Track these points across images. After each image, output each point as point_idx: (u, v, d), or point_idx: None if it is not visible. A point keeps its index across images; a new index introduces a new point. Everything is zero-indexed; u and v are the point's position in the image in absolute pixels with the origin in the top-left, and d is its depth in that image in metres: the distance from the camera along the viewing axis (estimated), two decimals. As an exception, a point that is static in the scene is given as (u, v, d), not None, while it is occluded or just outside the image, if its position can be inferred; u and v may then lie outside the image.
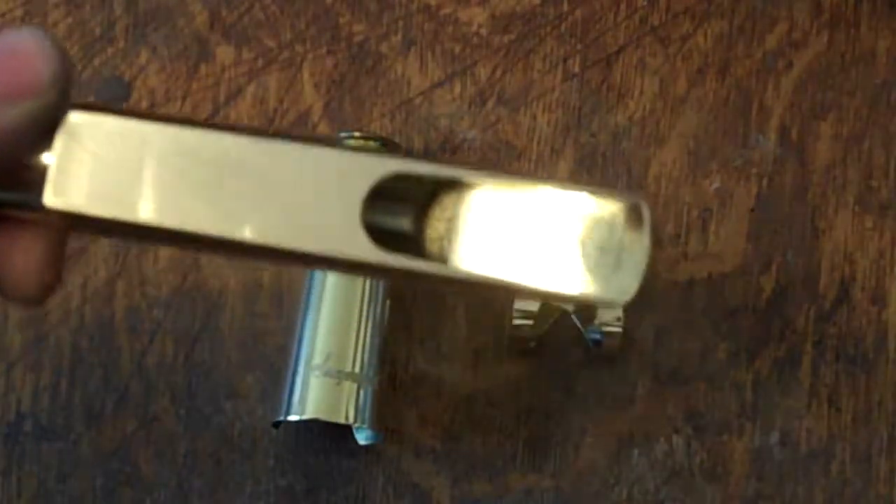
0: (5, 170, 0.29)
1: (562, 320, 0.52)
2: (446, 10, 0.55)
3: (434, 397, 0.53)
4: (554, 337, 0.53)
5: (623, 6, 0.55)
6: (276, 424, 0.50)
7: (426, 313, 0.53)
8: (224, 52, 0.55)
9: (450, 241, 0.30)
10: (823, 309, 0.53)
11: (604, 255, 0.30)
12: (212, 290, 0.53)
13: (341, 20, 0.55)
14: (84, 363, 0.53)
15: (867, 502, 0.53)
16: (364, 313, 0.50)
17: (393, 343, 0.53)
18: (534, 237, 0.30)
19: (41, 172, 0.29)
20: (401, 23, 0.55)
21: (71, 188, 0.29)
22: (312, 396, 0.49)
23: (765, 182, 0.54)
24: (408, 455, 0.53)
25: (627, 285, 0.30)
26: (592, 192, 0.30)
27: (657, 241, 0.30)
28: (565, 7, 0.55)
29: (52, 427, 0.53)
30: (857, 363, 0.53)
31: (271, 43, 0.55)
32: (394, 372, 0.53)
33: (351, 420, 0.49)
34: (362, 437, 0.50)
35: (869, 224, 0.54)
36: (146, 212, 0.29)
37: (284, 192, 0.29)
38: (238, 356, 0.53)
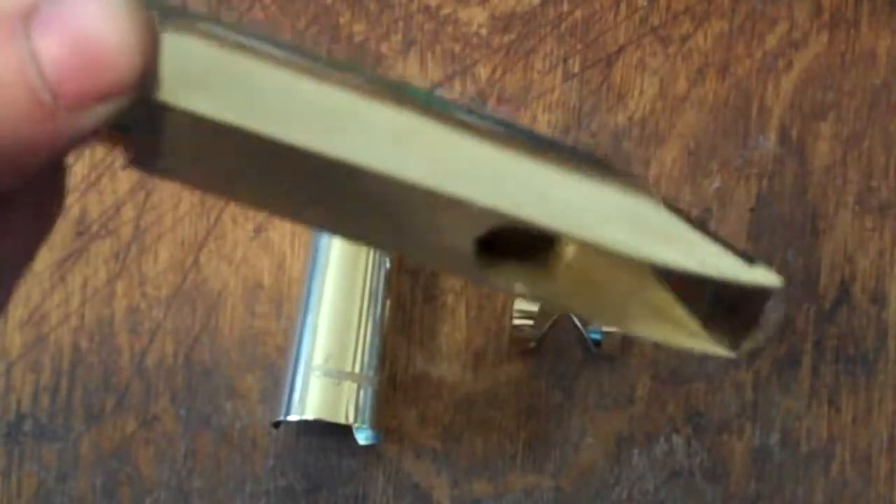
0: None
1: (562, 320, 0.52)
2: (446, 10, 0.55)
3: (434, 397, 0.53)
4: (554, 337, 0.53)
5: (623, 6, 0.55)
6: (276, 424, 0.50)
7: (426, 313, 0.53)
8: (224, 52, 0.55)
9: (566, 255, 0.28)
10: (823, 309, 0.53)
11: (720, 316, 0.28)
12: (212, 290, 0.53)
13: (341, 20, 0.55)
14: (84, 363, 0.53)
15: (867, 502, 0.53)
16: (364, 313, 0.50)
17: (393, 343, 0.53)
18: (647, 291, 0.28)
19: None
20: (401, 23, 0.55)
21: (162, 158, 0.25)
22: (312, 396, 0.49)
23: (765, 182, 0.54)
24: (408, 455, 0.53)
25: (739, 343, 0.28)
26: (729, 267, 0.27)
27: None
28: (565, 7, 0.55)
29: (52, 427, 0.53)
30: (857, 363, 0.53)
31: (271, 43, 0.55)
32: (394, 372, 0.53)
33: (351, 420, 0.49)
34: (362, 437, 0.50)
35: (869, 224, 0.54)
36: (243, 200, 0.26)
37: (397, 214, 0.26)
38: (238, 356, 0.53)
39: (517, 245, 0.27)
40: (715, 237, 0.27)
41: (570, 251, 0.27)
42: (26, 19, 0.22)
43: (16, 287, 0.27)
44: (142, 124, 0.25)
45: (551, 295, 0.27)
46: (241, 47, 0.25)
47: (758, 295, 0.27)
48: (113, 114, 0.23)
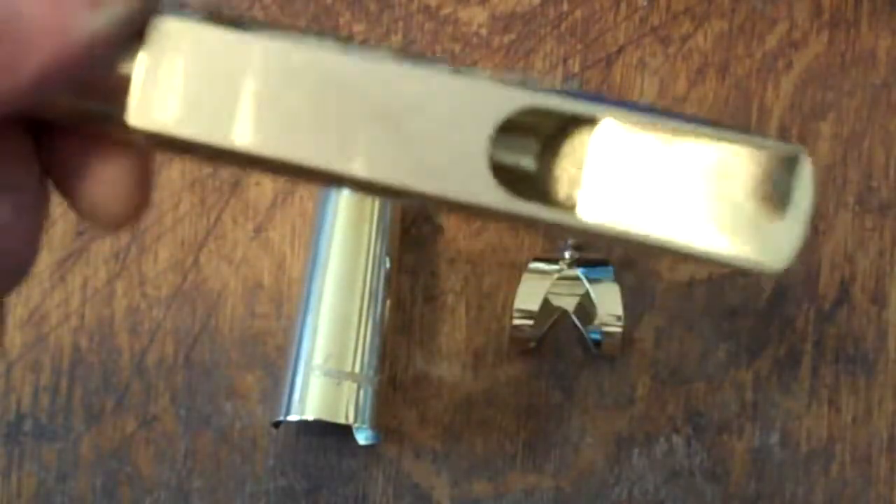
0: (87, 82, 0.25)
1: (562, 320, 0.52)
2: (446, 10, 0.55)
3: (434, 397, 0.53)
4: (554, 337, 0.53)
5: (623, 6, 0.55)
6: (276, 424, 0.50)
7: (426, 313, 0.53)
8: (224, 52, 0.55)
9: (580, 185, 0.26)
10: (823, 309, 0.53)
11: (758, 210, 0.26)
12: (212, 290, 0.53)
13: (341, 20, 0.55)
14: (84, 363, 0.53)
15: (867, 502, 0.53)
16: (364, 313, 0.50)
17: (393, 343, 0.53)
18: (677, 187, 0.26)
19: (127, 83, 0.25)
20: (401, 23, 0.55)
21: (157, 106, 0.25)
22: (312, 396, 0.49)
23: (765, 182, 0.54)
24: (408, 455, 0.53)
25: (784, 246, 0.25)
26: (744, 140, 0.25)
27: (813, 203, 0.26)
28: (565, 7, 0.55)
29: (52, 427, 0.53)
30: (857, 363, 0.53)
31: (271, 43, 0.55)
32: (394, 372, 0.53)
33: (351, 420, 0.49)
34: (362, 437, 0.50)
35: (869, 224, 0.54)
36: (243, 137, 0.25)
37: (402, 125, 0.25)
38: (238, 356, 0.53)
39: (530, 175, 0.26)
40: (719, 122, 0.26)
41: (586, 160, 0.26)
42: None
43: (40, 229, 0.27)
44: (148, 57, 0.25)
45: (573, 222, 0.26)
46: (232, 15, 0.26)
47: (783, 166, 0.25)
48: (120, 20, 0.23)
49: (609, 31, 0.55)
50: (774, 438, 0.53)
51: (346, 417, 0.49)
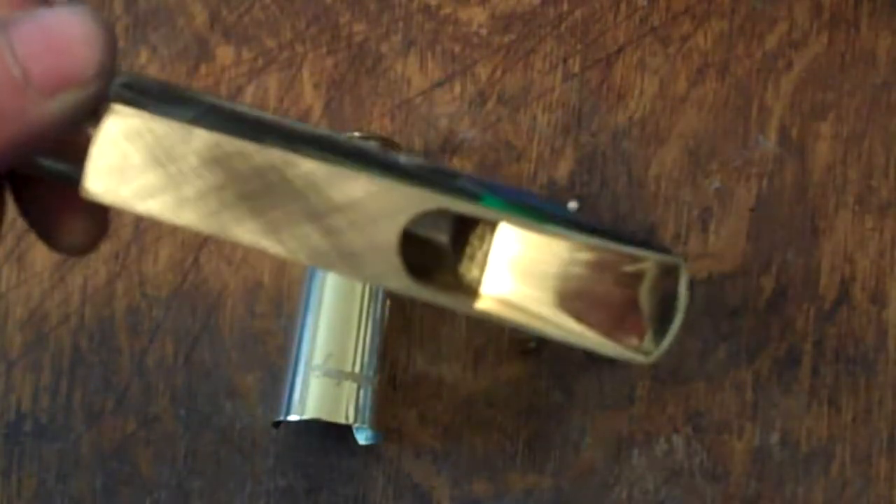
0: (52, 147, 0.28)
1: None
2: (446, 10, 0.55)
3: (434, 397, 0.53)
4: (554, 337, 0.53)
5: (623, 6, 0.55)
6: (276, 424, 0.50)
7: (426, 313, 0.53)
8: (224, 52, 0.55)
9: (484, 272, 0.30)
10: (823, 309, 0.53)
11: (639, 314, 0.29)
12: (212, 290, 0.53)
13: (341, 20, 0.55)
14: (84, 363, 0.53)
15: (867, 502, 0.53)
16: (364, 313, 0.50)
17: (393, 343, 0.53)
18: (569, 285, 0.29)
19: (86, 145, 0.28)
20: (401, 23, 0.55)
21: (109, 180, 0.28)
22: (312, 396, 0.49)
23: (765, 182, 0.54)
24: (408, 455, 0.53)
25: (655, 345, 0.29)
26: (630, 250, 0.29)
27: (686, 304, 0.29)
28: (565, 7, 0.55)
29: (52, 427, 0.53)
30: (857, 363, 0.53)
31: (271, 43, 0.55)
32: (394, 372, 0.53)
33: (351, 420, 0.49)
34: (362, 437, 0.50)
35: (869, 224, 0.54)
36: (184, 215, 0.29)
37: (325, 218, 0.28)
38: (238, 356, 0.53)
39: (438, 265, 0.29)
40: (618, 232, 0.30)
41: (488, 250, 0.30)
42: (4, 24, 0.26)
43: None
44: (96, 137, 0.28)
45: (471, 310, 0.29)
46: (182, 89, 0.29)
47: (664, 277, 0.29)
48: (78, 104, 0.26)
49: (609, 31, 0.55)
50: (774, 438, 0.53)
51: (346, 417, 0.49)
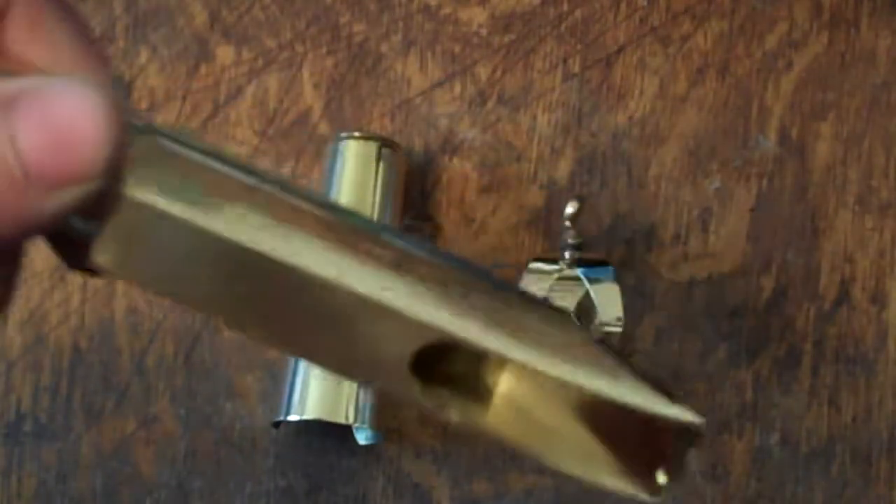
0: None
1: (562, 320, 0.51)
2: (446, 10, 0.55)
3: (434, 397, 0.53)
4: (554, 337, 0.53)
5: (623, 6, 0.55)
6: (276, 424, 0.50)
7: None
8: (224, 52, 0.55)
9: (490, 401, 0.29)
10: (823, 309, 0.53)
11: (645, 458, 0.29)
12: (212, 290, 0.53)
13: (341, 20, 0.55)
14: (84, 363, 0.53)
15: (867, 502, 0.53)
16: (364, 313, 0.50)
17: (393, 343, 0.53)
18: (578, 428, 0.29)
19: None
20: (401, 23, 0.55)
21: (119, 256, 0.27)
22: (312, 396, 0.49)
23: (765, 182, 0.54)
24: (408, 455, 0.53)
25: (660, 491, 0.29)
26: (652, 402, 0.29)
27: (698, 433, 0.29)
28: (565, 7, 0.55)
29: (52, 427, 0.53)
30: (857, 363, 0.53)
31: (271, 43, 0.55)
32: (394, 372, 0.53)
33: (351, 420, 0.49)
34: (362, 437, 0.50)
35: (869, 224, 0.54)
36: (195, 303, 0.28)
37: (338, 327, 0.27)
38: (238, 356, 0.53)
39: (452, 375, 0.28)
40: (644, 374, 0.28)
41: (500, 381, 0.28)
42: (8, 104, 0.24)
43: None
44: (102, 218, 0.26)
45: (481, 425, 0.29)
46: (202, 155, 0.27)
47: (681, 434, 0.29)
48: (79, 199, 0.24)
49: (609, 31, 0.55)
50: (774, 438, 0.53)
51: (346, 417, 0.49)
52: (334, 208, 0.28)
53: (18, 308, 0.53)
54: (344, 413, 0.49)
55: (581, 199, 0.52)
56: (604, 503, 0.53)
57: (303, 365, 0.50)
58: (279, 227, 0.27)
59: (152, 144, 0.26)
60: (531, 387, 0.28)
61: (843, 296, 0.54)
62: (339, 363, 0.28)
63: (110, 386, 0.53)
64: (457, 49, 0.55)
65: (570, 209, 0.51)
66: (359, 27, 0.55)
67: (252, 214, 0.27)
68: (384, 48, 0.55)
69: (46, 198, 0.24)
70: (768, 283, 0.54)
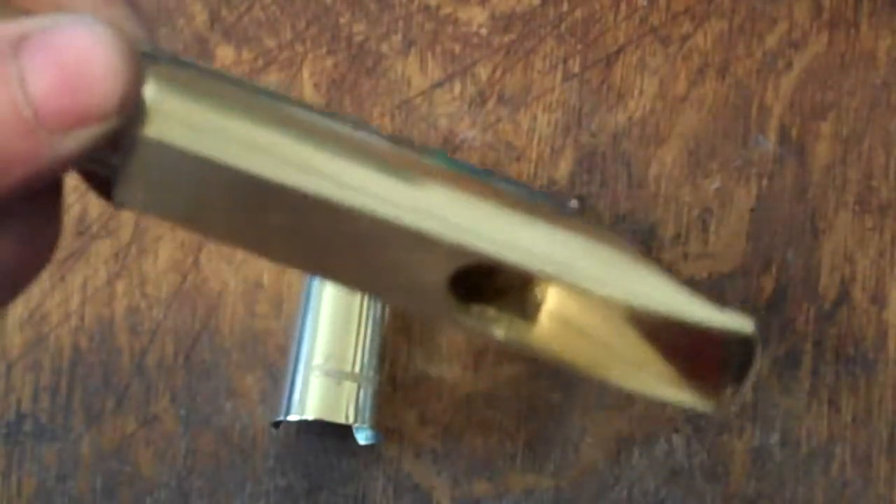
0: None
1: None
2: (446, 10, 0.55)
3: (434, 397, 0.53)
4: (554, 337, 0.53)
5: (623, 6, 0.55)
6: (276, 424, 0.50)
7: (426, 313, 0.53)
8: (224, 52, 0.55)
9: (544, 303, 0.27)
10: (823, 309, 0.53)
11: (704, 368, 0.28)
12: (212, 290, 0.53)
13: (341, 20, 0.55)
14: (84, 363, 0.53)
15: (867, 502, 0.53)
16: (364, 313, 0.50)
17: (393, 343, 0.53)
18: (631, 339, 0.27)
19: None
20: (401, 23, 0.55)
21: (140, 193, 0.26)
22: (312, 396, 0.49)
23: (765, 182, 0.54)
24: (408, 455, 0.53)
25: (729, 403, 0.28)
26: (702, 311, 0.27)
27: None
28: (565, 7, 0.55)
29: (52, 427, 0.53)
30: (857, 363, 0.53)
31: (271, 43, 0.55)
32: (394, 372, 0.53)
33: (351, 420, 0.49)
34: (362, 437, 0.50)
35: (869, 224, 0.54)
36: (220, 236, 0.26)
37: (369, 253, 0.26)
38: (238, 356, 0.53)
39: (495, 290, 0.27)
40: (688, 285, 0.27)
41: (548, 297, 0.27)
42: (16, 44, 0.23)
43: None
44: (120, 158, 0.25)
45: (529, 341, 0.27)
46: (225, 84, 0.26)
47: (734, 343, 0.27)
48: (95, 140, 0.23)
49: (609, 31, 0.55)
50: (774, 438, 0.53)
51: (346, 417, 0.49)
52: (367, 129, 0.27)
53: (18, 308, 0.53)
54: (344, 413, 0.49)
55: (581, 199, 0.52)
56: (604, 502, 0.53)
57: (303, 365, 0.50)
58: (303, 153, 0.26)
59: (170, 74, 0.25)
60: (579, 303, 0.27)
61: (843, 296, 0.54)
62: (370, 287, 0.27)
63: (110, 386, 0.53)
64: (457, 49, 0.55)
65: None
66: (359, 27, 0.55)
67: (272, 143, 0.26)
68: (384, 48, 0.55)
69: (60, 139, 0.23)
70: (768, 283, 0.54)
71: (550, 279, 0.26)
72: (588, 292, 0.26)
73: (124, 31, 0.24)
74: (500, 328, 0.27)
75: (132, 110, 0.24)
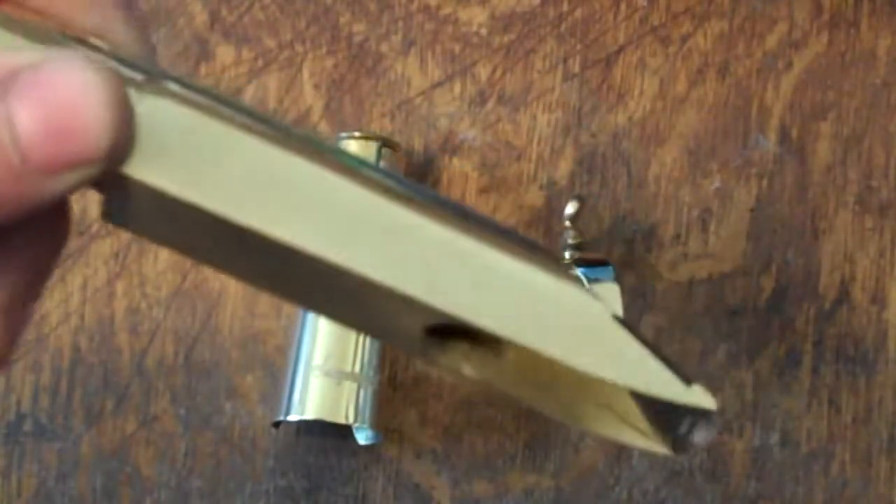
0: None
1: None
2: (446, 10, 0.55)
3: (434, 397, 0.53)
4: (554, 337, 0.53)
5: (623, 6, 0.55)
6: (276, 424, 0.50)
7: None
8: (224, 52, 0.55)
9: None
10: (823, 309, 0.53)
11: (664, 419, 0.28)
12: (212, 290, 0.53)
13: (341, 20, 0.55)
14: (84, 363, 0.53)
15: (867, 502, 0.53)
16: (364, 313, 0.50)
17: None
18: (590, 391, 0.28)
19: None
20: (401, 23, 0.55)
21: (130, 220, 0.26)
22: (312, 396, 0.49)
23: (765, 182, 0.54)
24: (408, 455, 0.53)
25: (684, 447, 0.28)
26: (668, 389, 0.28)
27: None
28: (565, 7, 0.55)
29: (52, 427, 0.53)
30: (857, 363, 0.53)
31: (271, 43, 0.55)
32: (394, 372, 0.53)
33: (351, 420, 0.49)
34: (362, 437, 0.50)
35: (869, 224, 0.54)
36: (210, 265, 0.27)
37: (348, 297, 0.27)
38: (238, 356, 0.53)
39: (469, 333, 0.27)
40: (657, 352, 0.27)
41: (512, 349, 0.28)
42: (5, 84, 0.23)
43: (25, 324, 0.27)
44: (111, 188, 0.25)
45: (499, 381, 0.28)
46: (211, 114, 0.26)
47: (698, 414, 0.28)
48: (81, 181, 0.23)
49: (609, 31, 0.55)
50: (774, 438, 0.53)
51: (346, 417, 0.49)
52: (347, 159, 0.27)
53: None
54: (344, 413, 0.49)
55: (581, 199, 0.52)
56: (604, 502, 0.53)
57: (303, 365, 0.50)
58: (286, 204, 0.26)
59: (159, 111, 0.25)
60: (543, 360, 0.27)
61: (843, 296, 0.54)
62: (352, 325, 0.28)
63: (110, 386, 0.53)
64: (457, 49, 0.55)
65: (570, 209, 0.51)
66: (359, 27, 0.55)
67: (258, 188, 0.26)
68: (384, 48, 0.55)
69: (46, 181, 0.23)
70: (768, 283, 0.54)
71: (524, 346, 0.27)
72: (558, 360, 0.27)
73: (115, 73, 0.24)
74: (471, 367, 0.28)
75: (121, 155, 0.24)
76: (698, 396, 0.27)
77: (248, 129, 0.26)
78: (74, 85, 0.23)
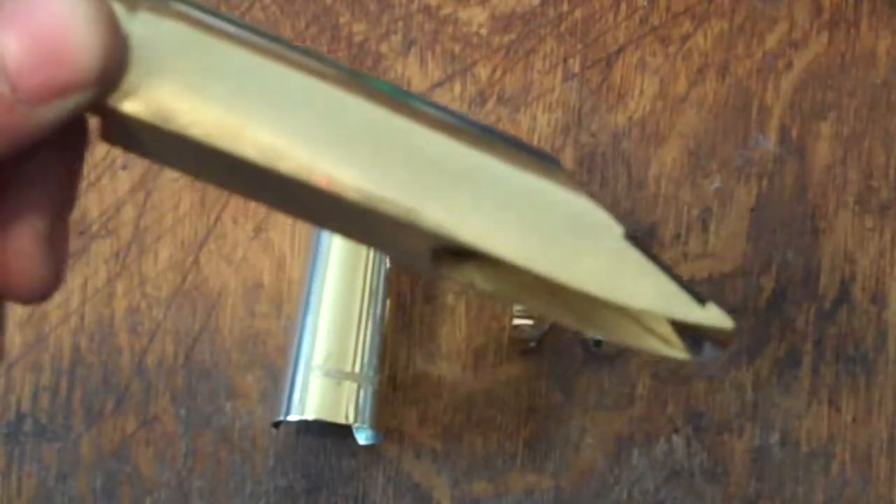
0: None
1: (562, 320, 0.52)
2: (446, 10, 0.55)
3: (434, 397, 0.53)
4: (554, 337, 0.53)
5: (623, 6, 0.55)
6: (276, 424, 0.50)
7: (426, 313, 0.53)
8: (224, 52, 0.55)
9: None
10: (823, 309, 0.53)
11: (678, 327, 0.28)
12: (212, 290, 0.53)
13: (341, 20, 0.55)
14: (84, 363, 0.53)
15: (867, 502, 0.53)
16: (364, 313, 0.50)
17: (393, 343, 0.53)
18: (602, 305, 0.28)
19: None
20: (401, 23, 0.55)
21: (127, 143, 0.25)
22: (312, 396, 0.49)
23: (765, 182, 0.54)
24: (408, 455, 0.53)
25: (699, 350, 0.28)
26: (682, 309, 0.27)
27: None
28: (565, 7, 0.55)
29: (52, 427, 0.53)
30: (857, 363, 0.53)
31: (271, 43, 0.55)
32: (394, 372, 0.53)
33: (351, 420, 0.49)
34: (362, 437, 0.50)
35: (869, 224, 0.54)
36: (213, 184, 0.26)
37: (355, 221, 0.26)
38: (238, 356, 0.53)
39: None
40: (671, 272, 0.27)
41: None
42: None
43: (66, 251, 0.27)
44: (103, 109, 0.25)
45: (512, 293, 0.27)
46: (209, 31, 0.25)
47: (713, 332, 0.28)
48: (74, 109, 0.23)
49: (609, 31, 0.55)
50: (774, 438, 0.53)
51: (346, 417, 0.49)
52: (356, 77, 0.26)
53: (18, 308, 0.53)
54: (344, 413, 0.49)
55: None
56: (604, 502, 0.53)
57: (303, 365, 0.50)
58: (277, 138, 0.25)
59: (153, 29, 0.24)
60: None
61: (843, 296, 0.54)
62: (360, 241, 0.27)
63: (110, 386, 0.53)
64: (457, 49, 0.55)
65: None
66: (359, 27, 0.55)
67: (249, 129, 0.25)
68: (384, 48, 0.55)
69: (38, 111, 0.23)
70: (768, 283, 0.54)
71: (529, 270, 0.26)
72: (574, 288, 0.26)
73: None
74: (483, 278, 0.27)
75: (114, 77, 0.23)
76: (715, 316, 0.27)
77: (248, 45, 0.25)
78: (59, 10, 0.22)
